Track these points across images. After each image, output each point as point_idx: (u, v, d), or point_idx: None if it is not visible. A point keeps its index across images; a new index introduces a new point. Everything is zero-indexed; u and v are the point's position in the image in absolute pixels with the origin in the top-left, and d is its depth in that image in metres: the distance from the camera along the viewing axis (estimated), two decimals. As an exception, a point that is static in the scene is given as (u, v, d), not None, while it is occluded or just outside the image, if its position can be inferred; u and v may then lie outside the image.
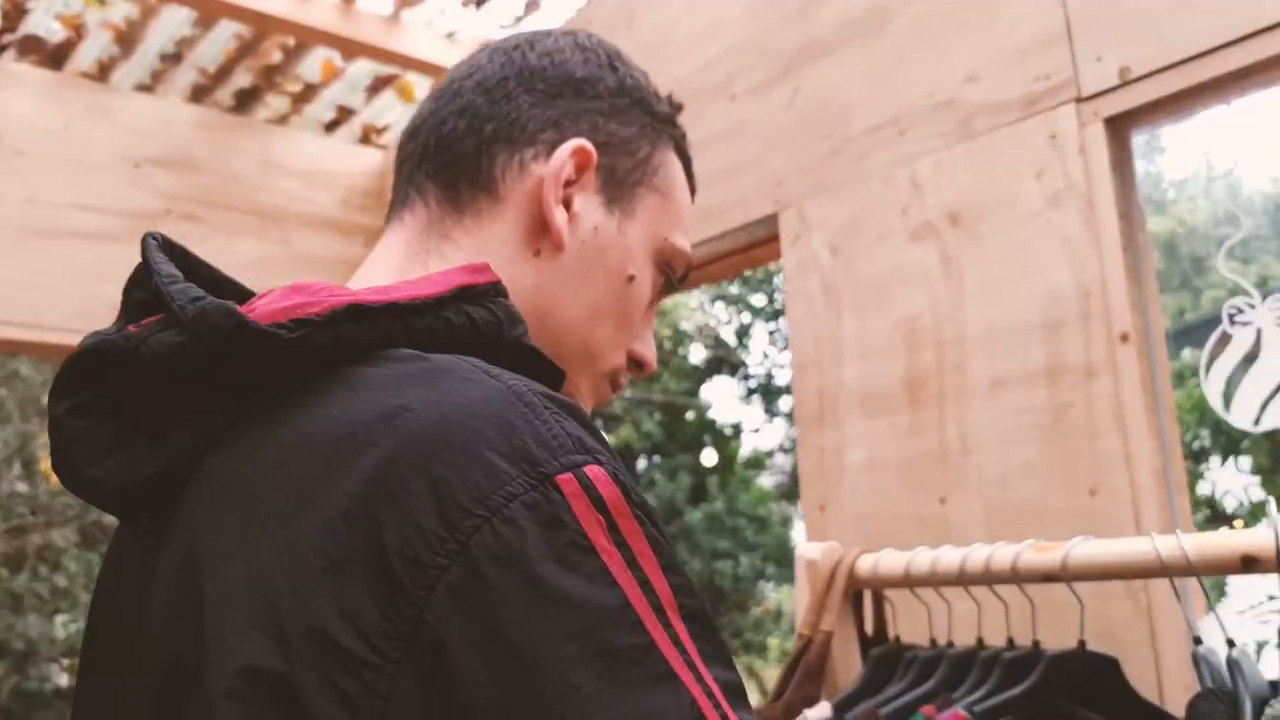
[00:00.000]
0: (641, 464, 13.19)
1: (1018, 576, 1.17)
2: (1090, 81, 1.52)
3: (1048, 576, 1.15)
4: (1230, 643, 1.00)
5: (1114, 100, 1.50)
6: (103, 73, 2.69)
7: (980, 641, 1.22)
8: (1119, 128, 1.52)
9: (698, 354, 13.91)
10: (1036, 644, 1.17)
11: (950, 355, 1.65)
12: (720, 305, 14.27)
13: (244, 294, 0.67)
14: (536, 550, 0.49)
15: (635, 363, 0.85)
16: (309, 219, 2.87)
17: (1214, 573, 1.05)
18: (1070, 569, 1.13)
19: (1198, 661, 1.01)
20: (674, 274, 0.84)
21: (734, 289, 13.83)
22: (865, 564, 1.33)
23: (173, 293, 0.59)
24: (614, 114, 0.80)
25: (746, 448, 13.85)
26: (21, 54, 2.60)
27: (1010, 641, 1.19)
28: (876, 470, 1.73)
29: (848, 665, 1.34)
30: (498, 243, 0.75)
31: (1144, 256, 1.51)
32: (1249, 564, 1.02)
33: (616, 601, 0.49)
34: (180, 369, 0.58)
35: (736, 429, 13.58)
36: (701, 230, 2.10)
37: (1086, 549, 1.12)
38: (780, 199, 1.95)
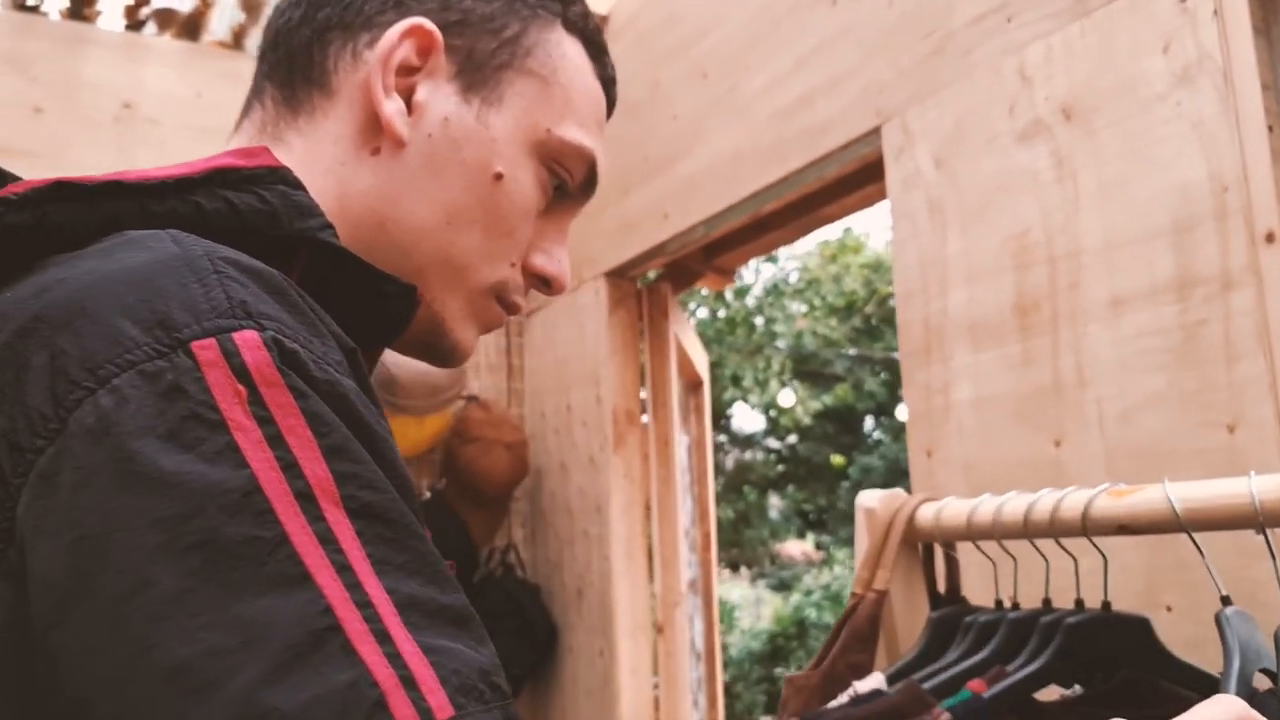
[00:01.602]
0: (868, 423, 12.84)
1: (1090, 527, 0.96)
2: (1224, -74, 1.24)
3: (1122, 527, 0.94)
4: None
5: (1254, -55, 1.21)
6: (236, 40, 2.75)
7: (1047, 603, 1.01)
8: (1263, -20, 1.24)
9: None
10: (1106, 605, 0.96)
11: (1064, 272, 1.41)
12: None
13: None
14: (137, 423, 0.41)
15: (540, 280, 0.72)
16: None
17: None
18: (1142, 519, 0.91)
19: (1222, 625, 0.80)
20: (570, 175, 0.70)
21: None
22: (927, 514, 1.14)
23: None
24: None
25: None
26: (161, 28, 2.69)
27: (1079, 603, 0.98)
28: (985, 409, 1.51)
29: (915, 628, 1.16)
30: (329, 142, 0.65)
31: (1300, 137, 1.22)
32: (1372, 508, 0.78)
33: (238, 484, 0.40)
34: None
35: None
36: (804, 154, 1.91)
37: (1159, 494, 0.89)
38: (882, 109, 1.74)
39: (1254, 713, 0.62)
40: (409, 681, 0.38)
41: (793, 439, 13.01)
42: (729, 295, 11.88)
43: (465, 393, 2.84)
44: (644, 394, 2.73)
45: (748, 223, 2.36)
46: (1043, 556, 1.02)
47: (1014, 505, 1.03)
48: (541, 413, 2.92)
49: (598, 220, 2.62)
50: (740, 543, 12.23)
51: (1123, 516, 0.93)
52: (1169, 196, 1.29)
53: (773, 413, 12.51)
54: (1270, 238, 1.18)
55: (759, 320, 12.05)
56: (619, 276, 2.64)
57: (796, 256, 12.24)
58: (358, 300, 0.59)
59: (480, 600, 2.70)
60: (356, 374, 0.49)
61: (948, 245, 1.59)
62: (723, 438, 12.65)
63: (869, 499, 1.21)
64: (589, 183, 0.72)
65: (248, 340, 0.43)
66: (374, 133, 0.65)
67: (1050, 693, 0.97)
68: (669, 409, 2.69)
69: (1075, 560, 0.99)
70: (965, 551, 1.17)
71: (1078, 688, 0.98)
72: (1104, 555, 0.97)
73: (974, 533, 1.07)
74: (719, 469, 12.65)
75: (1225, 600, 0.86)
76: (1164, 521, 0.90)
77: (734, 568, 12.71)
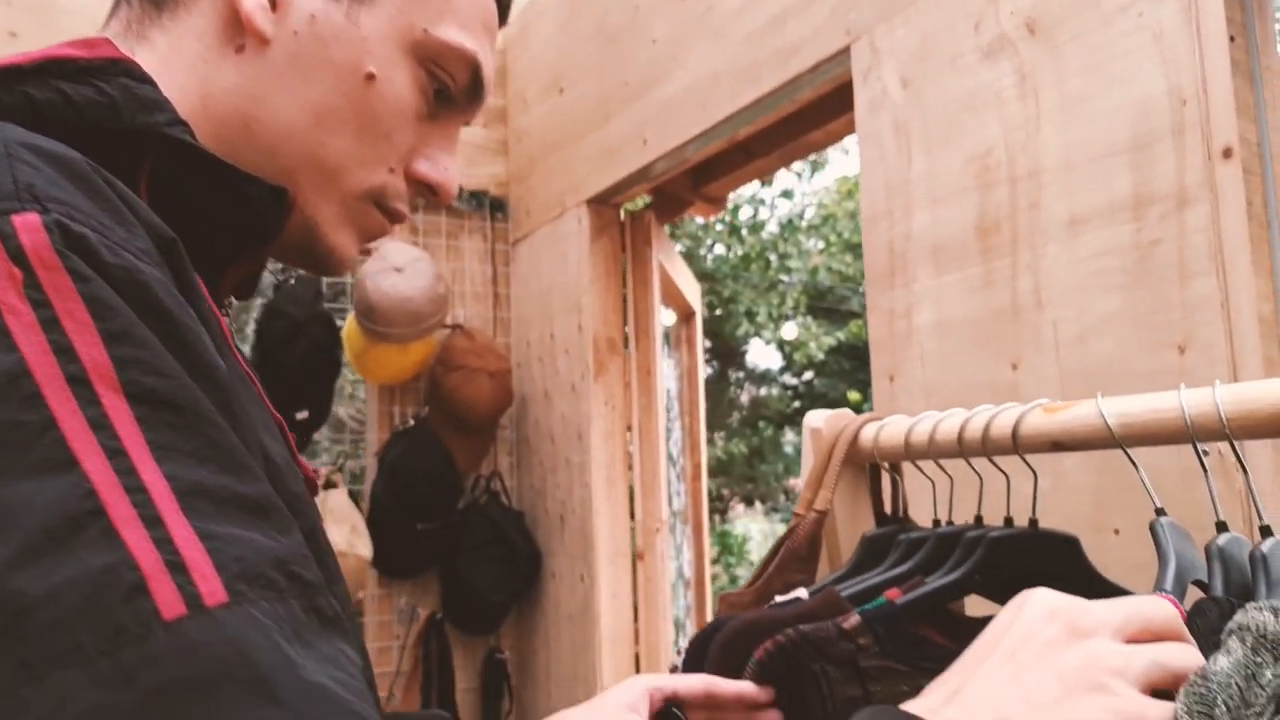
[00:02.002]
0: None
1: (1023, 444, 0.95)
2: None
3: (1056, 444, 0.93)
4: (1221, 525, 0.77)
5: None
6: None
7: (978, 520, 1.01)
8: (1229, -116, 1.19)
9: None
10: (1034, 523, 0.95)
11: (1024, 192, 1.38)
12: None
13: None
14: None
15: (424, 187, 0.70)
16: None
17: (1255, 434, 0.80)
18: (1076, 435, 0.90)
19: (1156, 533, 0.79)
20: (452, 79, 0.68)
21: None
22: (868, 434, 1.13)
23: None
24: None
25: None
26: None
27: (1008, 521, 0.98)
28: (946, 333, 1.49)
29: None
30: (192, 39, 0.63)
31: (1263, 48, 1.19)
32: (1290, 422, 0.77)
33: (5, 368, 0.39)
34: None
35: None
36: (776, 76, 1.87)
37: (1092, 409, 0.88)
38: (852, 28, 1.70)
39: (1182, 626, 0.60)
40: (177, 566, 0.37)
41: (808, 375, 13.00)
42: (744, 232, 11.78)
43: (450, 321, 2.84)
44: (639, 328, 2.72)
45: (730, 148, 2.33)
46: (978, 475, 1.01)
47: (949, 424, 1.02)
48: (527, 341, 2.92)
49: (580, 147, 2.59)
50: (754, 477, 12.27)
51: (1056, 433, 0.92)
52: (1128, 112, 1.26)
53: (787, 349, 12.48)
54: (1228, 153, 1.16)
55: (773, 257, 11.96)
56: (601, 204, 2.61)
57: (813, 192, 12.12)
58: (218, 200, 0.58)
59: (465, 527, 2.73)
60: (175, 265, 0.48)
61: (912, 167, 1.56)
62: (739, 374, 12.62)
63: (815, 419, 1.20)
64: (474, 89, 0.70)
65: (27, 223, 0.42)
66: (237, 29, 0.63)
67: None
68: (651, 337, 2.68)
69: (1007, 477, 0.98)
70: (920, 472, 1.16)
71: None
72: (1034, 472, 0.96)
73: (912, 452, 1.07)
74: (733, 404, 12.65)
75: (1159, 512, 0.86)
76: (1097, 437, 0.89)
77: (748, 502, 12.77)
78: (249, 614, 0.38)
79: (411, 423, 2.76)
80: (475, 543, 2.68)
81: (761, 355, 13.14)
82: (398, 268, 2.62)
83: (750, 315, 11.68)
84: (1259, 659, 0.58)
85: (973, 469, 1.02)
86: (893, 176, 1.60)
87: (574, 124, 2.62)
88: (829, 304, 12.37)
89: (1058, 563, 0.95)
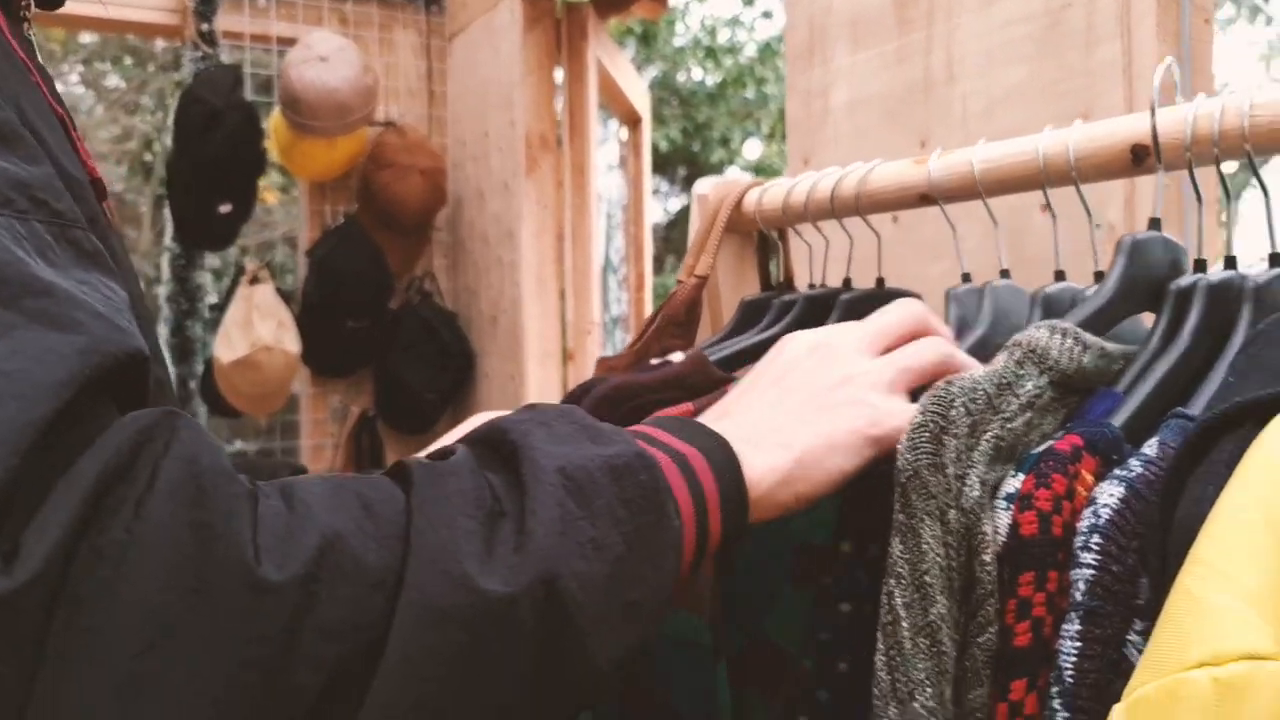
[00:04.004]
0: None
1: (892, 200, 0.92)
2: None
3: (923, 197, 0.90)
4: (1059, 274, 0.75)
5: None
6: None
7: (846, 282, 0.99)
8: None
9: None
10: (880, 281, 0.94)
11: (942, -42, 1.31)
12: None
13: None
14: None
15: None
16: None
17: (1105, 175, 0.77)
18: (940, 185, 0.87)
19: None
20: None
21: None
22: (751, 198, 1.10)
23: None
24: None
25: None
26: None
27: (880, 281, 0.96)
28: (859, 111, 1.44)
29: (743, 320, 1.14)
30: None
31: None
32: (1139, 156, 0.74)
33: None
34: None
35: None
36: None
37: (956, 157, 0.85)
38: None
39: (931, 319, 0.63)
40: None
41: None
42: (721, 56, 11.39)
43: (382, 118, 2.75)
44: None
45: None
46: (848, 235, 0.99)
47: (825, 184, 0.99)
48: (462, 140, 2.84)
49: (512, -72, 2.45)
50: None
51: (921, 184, 0.89)
52: None
53: (753, 171, 12.30)
54: (1145, -92, 1.09)
55: (750, 85, 11.63)
56: (535, -7, 2.49)
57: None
58: None
59: (398, 326, 2.71)
60: None
61: (835, -66, 1.48)
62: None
63: (703, 186, 1.16)
64: None
65: None
66: None
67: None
68: (585, 136, 2.61)
69: (878, 235, 0.96)
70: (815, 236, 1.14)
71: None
72: (877, 233, 0.95)
73: (790, 215, 1.04)
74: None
75: (1004, 274, 0.84)
76: (963, 188, 0.86)
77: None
78: None
79: (341, 220, 2.70)
80: (408, 342, 2.67)
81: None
82: (322, 57, 2.50)
83: (725, 141, 11.45)
84: (1022, 371, 0.58)
85: (845, 230, 1.00)
86: (815, -54, 1.51)
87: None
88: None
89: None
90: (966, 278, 0.84)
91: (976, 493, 0.53)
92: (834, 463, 0.55)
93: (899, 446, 0.53)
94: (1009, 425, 0.56)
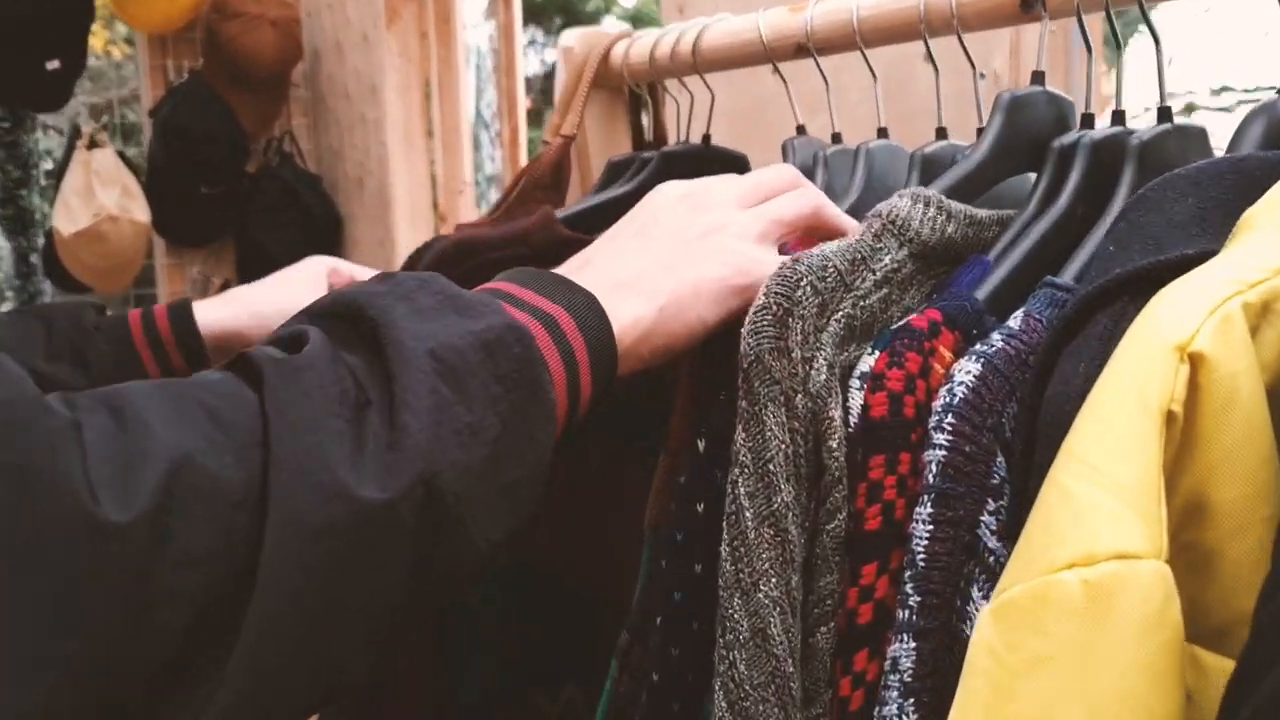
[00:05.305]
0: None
1: (770, 52, 0.86)
2: None
3: (800, 48, 0.84)
4: (940, 131, 0.71)
5: None
6: None
7: (706, 139, 0.95)
8: None
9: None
10: (707, 138, 0.94)
11: None
12: None
13: None
14: None
15: None
16: None
17: (990, 23, 0.73)
18: (818, 34, 0.82)
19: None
20: None
21: None
22: (619, 52, 1.03)
23: None
24: None
25: None
26: None
27: (705, 139, 0.92)
28: (733, -45, 1.36)
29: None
30: None
31: None
32: (1028, 3, 0.69)
33: None
34: None
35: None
36: None
37: (835, 4, 0.80)
38: None
39: (806, 182, 0.61)
40: None
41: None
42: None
43: (226, -37, 2.52)
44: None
45: None
46: (708, 90, 0.93)
47: (690, 35, 0.92)
48: (316, -13, 2.63)
49: None
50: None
51: (799, 34, 0.84)
52: None
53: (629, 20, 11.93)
54: None
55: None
56: None
57: None
58: None
59: (256, 191, 2.56)
60: None
61: None
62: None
63: (568, 38, 1.08)
64: None
65: None
66: None
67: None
68: (450, -19, 2.44)
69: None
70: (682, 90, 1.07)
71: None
72: (711, 91, 0.92)
73: (657, 69, 0.97)
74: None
75: (881, 132, 0.80)
76: (840, 38, 0.81)
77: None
78: None
79: (186, 77, 2.50)
80: (268, 206, 2.52)
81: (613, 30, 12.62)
82: (152, -109, 2.27)
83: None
84: (880, 244, 0.54)
85: (706, 86, 0.94)
86: None
87: None
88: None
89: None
90: (837, 138, 0.79)
91: (824, 376, 0.50)
92: (695, 313, 0.53)
93: (741, 331, 0.51)
94: (862, 303, 0.53)
